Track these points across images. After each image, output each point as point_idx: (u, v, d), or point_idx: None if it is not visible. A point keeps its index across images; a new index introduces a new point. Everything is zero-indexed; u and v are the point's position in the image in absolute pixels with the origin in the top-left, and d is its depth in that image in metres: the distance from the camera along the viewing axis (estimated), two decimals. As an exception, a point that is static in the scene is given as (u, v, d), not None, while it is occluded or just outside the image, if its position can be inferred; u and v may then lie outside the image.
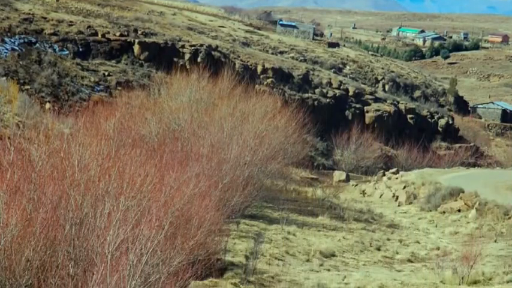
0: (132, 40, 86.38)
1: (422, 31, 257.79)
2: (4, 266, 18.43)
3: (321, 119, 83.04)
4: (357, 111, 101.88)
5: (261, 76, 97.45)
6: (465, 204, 54.00)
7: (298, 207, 50.20)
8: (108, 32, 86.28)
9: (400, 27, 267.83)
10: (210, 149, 36.44)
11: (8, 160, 22.80)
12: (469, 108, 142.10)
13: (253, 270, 30.02)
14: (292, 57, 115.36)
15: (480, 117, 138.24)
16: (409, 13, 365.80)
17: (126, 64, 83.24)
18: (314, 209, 50.84)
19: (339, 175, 76.70)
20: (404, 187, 63.17)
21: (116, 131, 33.66)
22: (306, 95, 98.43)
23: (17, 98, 50.63)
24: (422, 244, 44.22)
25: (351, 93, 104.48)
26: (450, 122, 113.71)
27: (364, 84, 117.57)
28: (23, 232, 18.67)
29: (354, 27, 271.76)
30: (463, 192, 56.14)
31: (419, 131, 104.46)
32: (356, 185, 72.00)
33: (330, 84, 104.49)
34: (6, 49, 71.72)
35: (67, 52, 78.79)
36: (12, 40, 74.37)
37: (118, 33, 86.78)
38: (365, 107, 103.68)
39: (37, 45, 76.64)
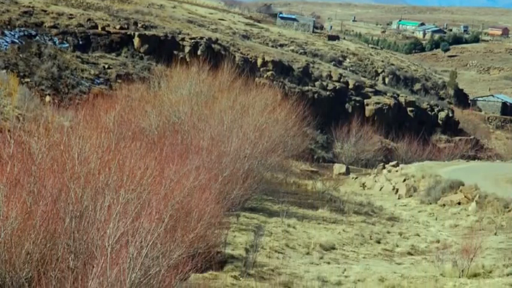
0: (132, 33, 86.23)
1: (422, 24, 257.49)
2: (4, 259, 18.44)
3: (321, 111, 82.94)
4: (357, 104, 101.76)
5: (261, 69, 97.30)
6: (465, 197, 54.02)
7: (298, 200, 50.23)
8: (108, 25, 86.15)
9: (400, 20, 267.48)
10: (210, 141, 36.45)
11: (8, 153, 22.79)
12: (469, 101, 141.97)
13: (253, 263, 30.05)
14: (292, 50, 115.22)
15: (480, 110, 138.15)
16: (409, 6, 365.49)
17: (126, 57, 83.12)
18: (314, 201, 50.87)
19: (339, 168, 76.70)
20: (404, 180, 63.17)
21: (116, 123, 33.68)
22: (306, 88, 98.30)
23: (17, 91, 50.61)
24: (422, 237, 44.27)
25: (351, 86, 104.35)
26: (450, 114, 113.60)
27: (364, 77, 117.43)
28: (23, 225, 18.67)
29: (354, 20, 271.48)
30: (463, 185, 56.16)
31: (419, 123, 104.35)
32: (356, 177, 72.00)
33: (330, 77, 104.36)
34: (6, 42, 71.63)
35: (67, 45, 78.68)
36: (12, 33, 74.26)
37: (118, 26, 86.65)
38: (365, 100, 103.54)
39: (37, 38, 76.52)
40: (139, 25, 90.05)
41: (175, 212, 21.70)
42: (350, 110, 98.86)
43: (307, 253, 35.54)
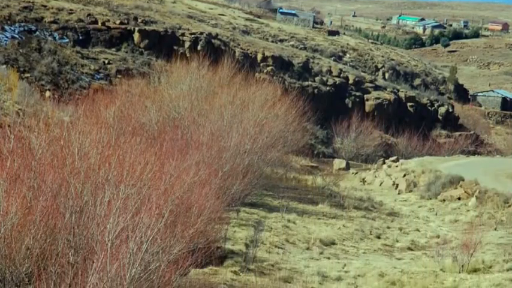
0: (132, 28, 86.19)
1: (422, 19, 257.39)
2: (4, 254, 18.44)
3: (321, 107, 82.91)
4: (357, 99, 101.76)
5: (261, 64, 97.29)
6: (465, 192, 54.03)
7: (298, 195, 50.23)
8: (108, 20, 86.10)
9: (400, 15, 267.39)
10: (210, 137, 36.42)
11: (8, 148, 22.77)
12: (469, 96, 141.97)
13: (253, 258, 30.08)
14: (292, 45, 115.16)
15: (480, 105, 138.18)
16: (409, 1, 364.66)
17: (126, 52, 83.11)
18: (314, 197, 50.86)
19: (339, 163, 76.71)
20: (404, 175, 63.18)
21: (116, 119, 33.68)
22: (306, 83, 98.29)
23: (17, 86, 50.52)
24: (422, 232, 44.28)
25: (351, 81, 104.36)
26: (450, 110, 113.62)
27: (364, 72, 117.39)
28: (23, 220, 18.67)
29: (354, 15, 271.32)
30: (463, 180, 56.17)
31: (420, 119, 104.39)
32: (356, 173, 71.99)
33: (330, 72, 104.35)
34: (6, 37, 71.60)
35: (67, 40, 78.65)
36: (12, 28, 74.22)
37: (118, 21, 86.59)
38: (365, 95, 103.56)
39: (37, 33, 76.48)
40: (139, 20, 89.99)
41: (175, 207, 21.70)
42: (350, 105, 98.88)
43: (307, 248, 35.56)
